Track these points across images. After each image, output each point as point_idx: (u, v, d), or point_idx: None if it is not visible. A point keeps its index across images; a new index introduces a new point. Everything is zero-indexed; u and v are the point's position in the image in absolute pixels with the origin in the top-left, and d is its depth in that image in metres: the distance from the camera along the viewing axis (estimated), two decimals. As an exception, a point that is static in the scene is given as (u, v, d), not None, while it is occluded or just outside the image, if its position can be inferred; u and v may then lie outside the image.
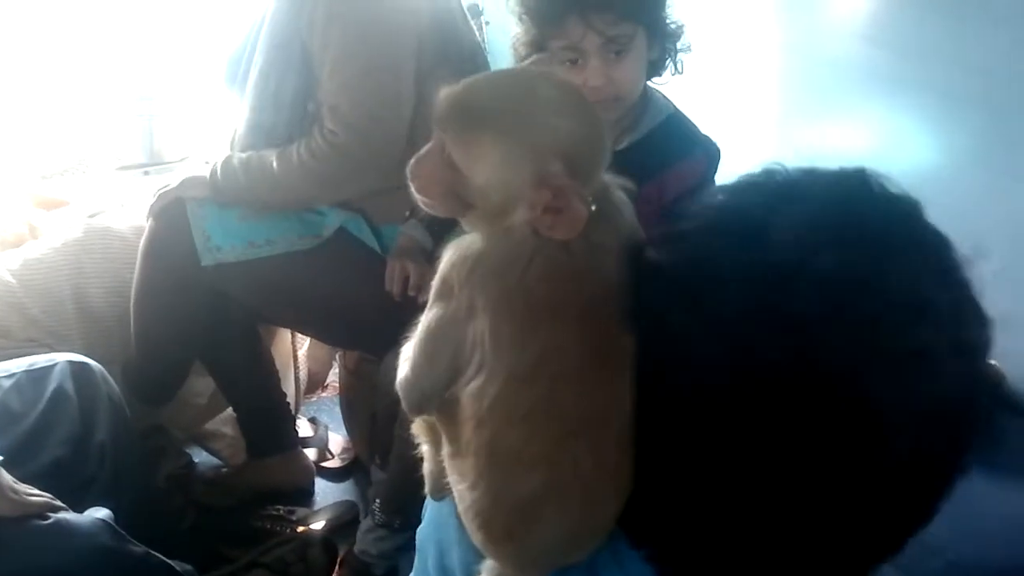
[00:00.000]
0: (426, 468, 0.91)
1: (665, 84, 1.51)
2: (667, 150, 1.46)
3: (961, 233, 1.60)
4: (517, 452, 0.77)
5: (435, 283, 0.82)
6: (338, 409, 2.29)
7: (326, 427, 2.32)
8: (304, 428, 2.29)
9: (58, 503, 1.31)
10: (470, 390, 0.78)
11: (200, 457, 2.18)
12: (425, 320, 0.82)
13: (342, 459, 2.26)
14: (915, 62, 1.65)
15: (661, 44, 1.43)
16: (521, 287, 0.76)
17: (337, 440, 2.31)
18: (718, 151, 1.49)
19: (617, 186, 0.81)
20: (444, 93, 0.78)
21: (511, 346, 0.76)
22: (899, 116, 1.74)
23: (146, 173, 2.33)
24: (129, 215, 2.07)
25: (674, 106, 1.52)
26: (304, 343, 2.34)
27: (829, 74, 1.89)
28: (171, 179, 1.83)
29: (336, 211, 1.76)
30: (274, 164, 1.70)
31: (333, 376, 2.50)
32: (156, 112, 2.32)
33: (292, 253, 1.73)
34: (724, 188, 0.73)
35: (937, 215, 1.71)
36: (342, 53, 1.66)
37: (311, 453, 2.23)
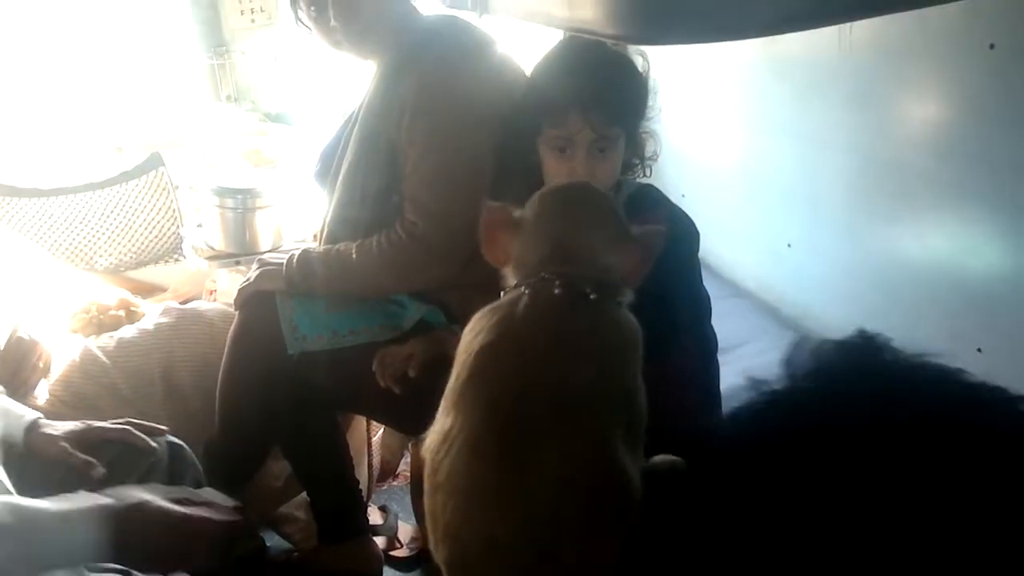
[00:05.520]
0: None
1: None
2: (634, 208, 1.59)
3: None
4: (435, 518, 0.88)
5: None
6: (408, 498, 2.31)
7: (396, 516, 2.34)
8: (374, 516, 2.32)
9: None
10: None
11: (272, 540, 2.21)
12: None
13: (410, 548, 2.27)
14: (983, 174, 1.67)
15: (633, 150, 1.62)
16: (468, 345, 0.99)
17: (406, 529, 2.32)
18: (689, 221, 1.63)
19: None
20: None
21: (444, 405, 0.92)
22: (969, 224, 1.75)
23: (237, 263, 2.44)
24: (218, 302, 2.17)
25: (643, 183, 1.69)
26: (378, 431, 2.38)
27: (902, 181, 1.91)
28: (250, 272, 1.93)
29: (417, 303, 1.83)
30: (353, 255, 1.79)
31: (404, 465, 2.53)
32: (249, 205, 2.43)
33: (373, 343, 1.79)
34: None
35: (1014, 325, 1.70)
36: (425, 148, 1.74)
37: (380, 541, 2.24)
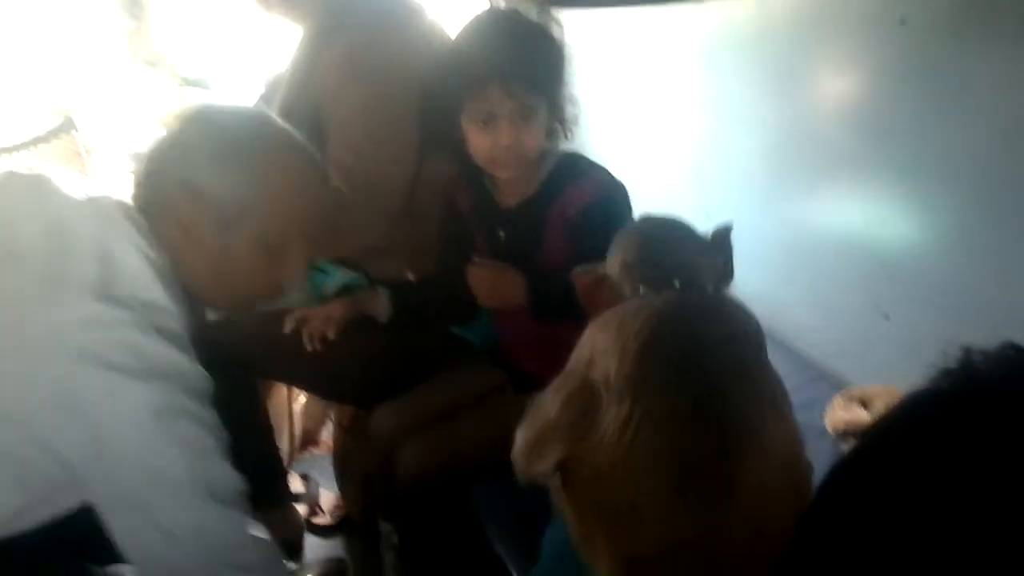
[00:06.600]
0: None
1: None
2: (563, 176, 1.65)
3: (947, 309, 1.65)
4: (620, 506, 0.80)
5: None
6: (330, 466, 2.31)
7: (317, 483, 2.33)
8: (296, 484, 2.31)
9: None
10: None
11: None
12: None
13: (333, 516, 2.28)
14: (893, 147, 1.72)
15: (555, 116, 1.64)
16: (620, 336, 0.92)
17: (328, 497, 2.32)
18: (620, 184, 1.66)
19: None
20: None
21: (608, 398, 0.86)
22: (883, 195, 1.80)
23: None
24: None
25: (568, 151, 1.72)
26: (299, 398, 2.37)
27: (814, 153, 1.96)
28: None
29: (340, 270, 1.82)
30: None
31: (326, 433, 2.52)
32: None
33: (294, 309, 1.78)
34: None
35: (921, 293, 1.75)
36: (352, 115, 1.73)
37: (301, 509, 2.23)
